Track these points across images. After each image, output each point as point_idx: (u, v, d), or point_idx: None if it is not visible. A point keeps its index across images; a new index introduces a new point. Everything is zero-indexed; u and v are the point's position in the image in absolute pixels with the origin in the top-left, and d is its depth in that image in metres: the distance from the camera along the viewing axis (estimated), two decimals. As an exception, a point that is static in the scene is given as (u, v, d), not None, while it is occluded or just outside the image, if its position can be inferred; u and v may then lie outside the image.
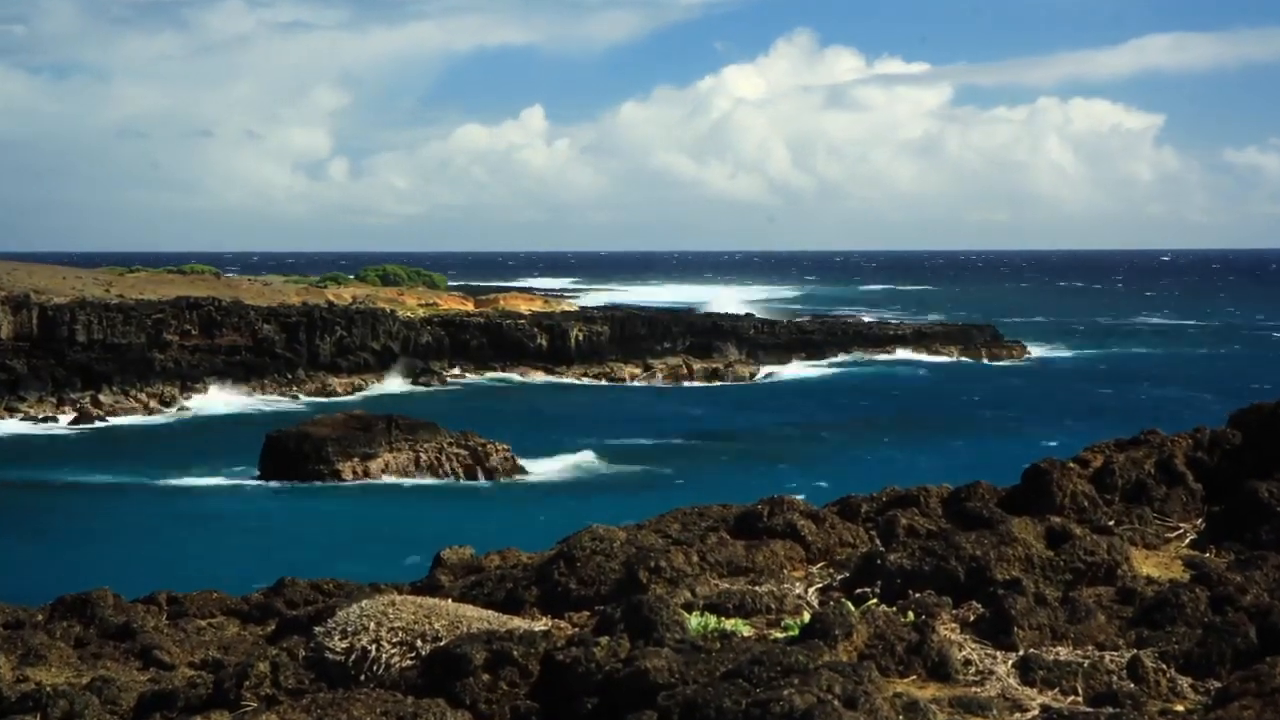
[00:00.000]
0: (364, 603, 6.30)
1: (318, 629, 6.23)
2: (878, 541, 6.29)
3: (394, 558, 28.56)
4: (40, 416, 58.51)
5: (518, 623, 6.23)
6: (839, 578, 6.23)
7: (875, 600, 6.01)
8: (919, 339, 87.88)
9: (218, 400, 63.54)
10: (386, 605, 6.25)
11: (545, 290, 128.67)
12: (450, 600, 6.73)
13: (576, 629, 6.15)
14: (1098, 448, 6.80)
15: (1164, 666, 5.14)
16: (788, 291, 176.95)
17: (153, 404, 61.64)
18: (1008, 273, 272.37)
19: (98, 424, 57.79)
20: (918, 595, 5.89)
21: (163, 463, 47.52)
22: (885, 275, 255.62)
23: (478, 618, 6.16)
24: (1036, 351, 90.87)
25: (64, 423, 57.90)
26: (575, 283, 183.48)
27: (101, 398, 61.06)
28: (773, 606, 6.00)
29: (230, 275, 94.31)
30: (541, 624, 6.26)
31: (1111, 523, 6.25)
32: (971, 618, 5.75)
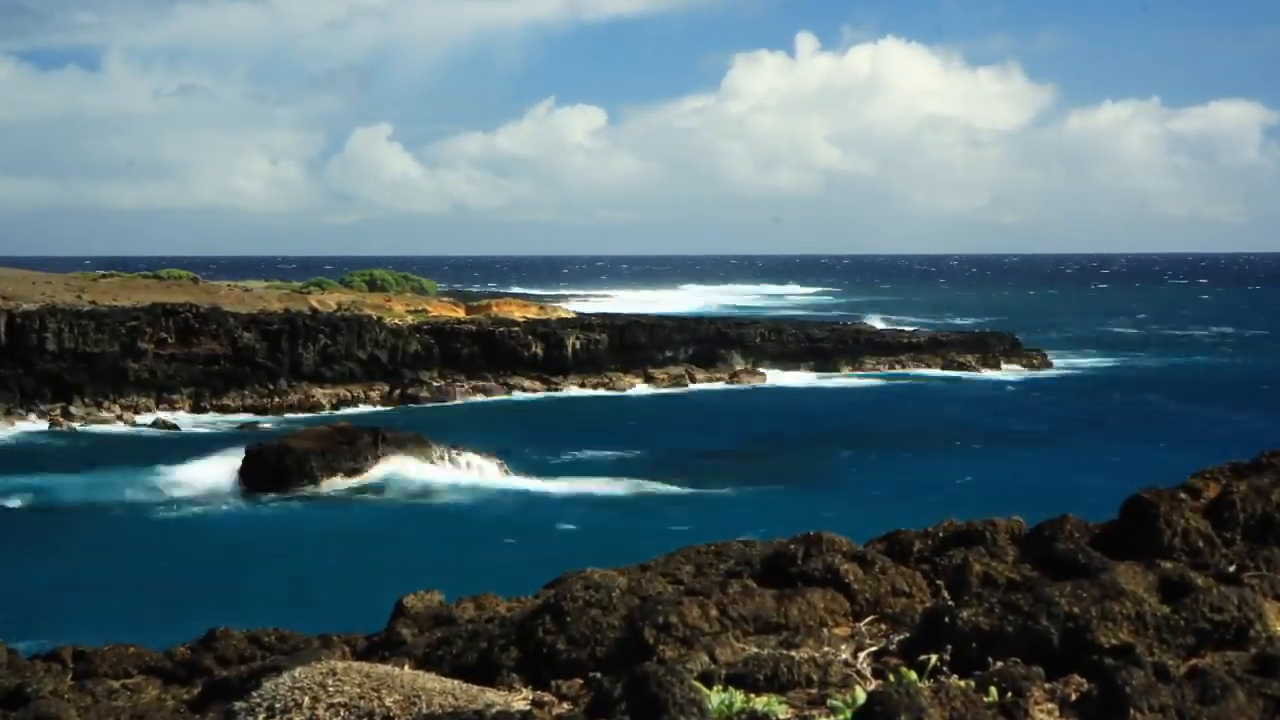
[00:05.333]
0: (298, 671, 5.05)
1: (239, 704, 4.99)
2: (945, 593, 5.07)
3: (369, 588, 27.12)
4: (8, 429, 56.86)
5: (491, 696, 4.99)
6: (896, 639, 4.98)
7: (945, 670, 4.75)
8: (935, 347, 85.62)
9: (194, 412, 61.96)
10: (325, 675, 4.99)
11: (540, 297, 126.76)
12: (408, 665, 5.48)
13: (565, 706, 4.90)
14: (1211, 474, 5.57)
15: (1331, 764, 3.94)
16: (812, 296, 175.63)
17: (127, 415, 60.05)
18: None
19: (68, 436, 56.22)
20: (1000, 664, 4.64)
21: (135, 477, 45.97)
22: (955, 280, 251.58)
23: (440, 691, 4.92)
24: (1060, 361, 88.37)
25: (33, 435, 56.28)
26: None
27: (73, 409, 59.35)
28: (814, 678, 4.75)
29: (210, 281, 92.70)
30: (521, 699, 5.00)
31: (1233, 568, 5.03)
32: (1073, 696, 4.52)
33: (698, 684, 4.62)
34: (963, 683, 4.63)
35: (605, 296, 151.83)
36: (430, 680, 5.00)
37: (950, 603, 4.84)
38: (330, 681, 4.90)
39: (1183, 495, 5.37)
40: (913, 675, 4.65)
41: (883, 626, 5.17)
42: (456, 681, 5.05)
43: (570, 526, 38.96)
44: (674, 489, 45.24)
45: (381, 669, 5.03)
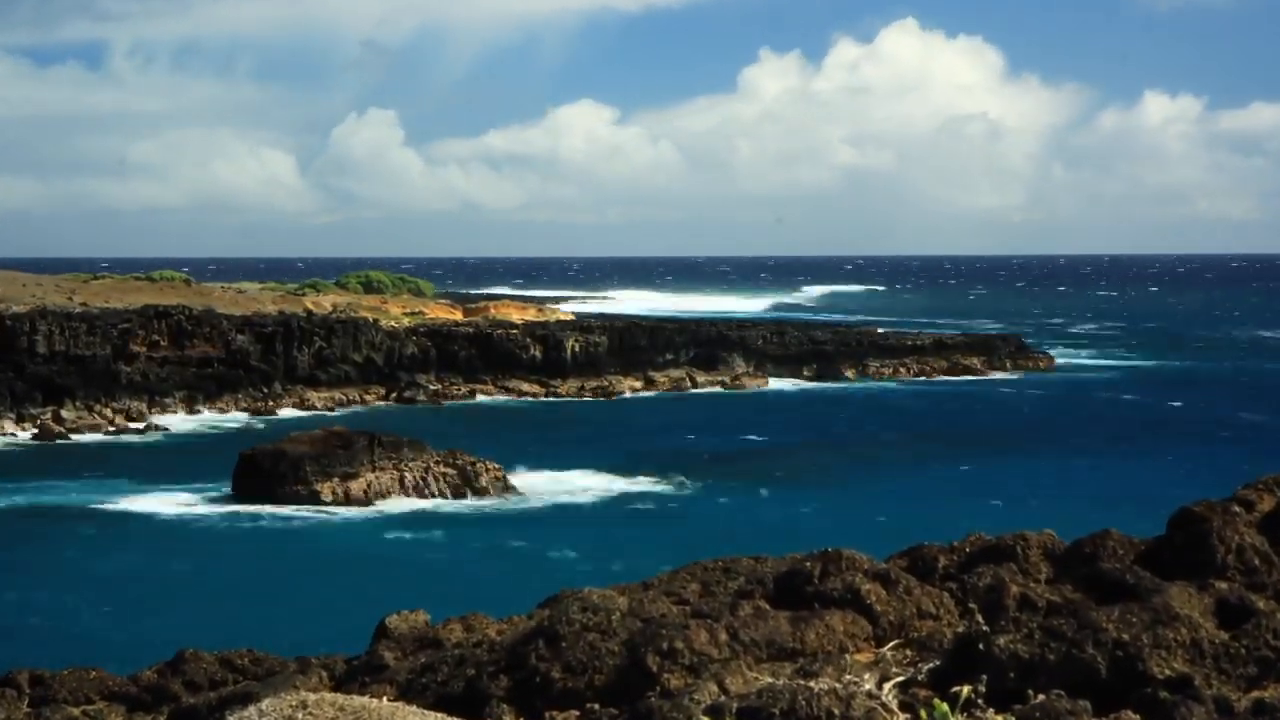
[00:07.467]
0: (265, 704, 4.61)
1: (200, 741, 4.56)
2: (978, 616, 4.61)
3: (353, 604, 26.54)
4: (-2, 433, 56.30)
5: (479, 731, 4.55)
6: (924, 666, 4.52)
7: (980, 703, 4.30)
8: (938, 350, 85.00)
9: (187, 416, 61.40)
10: (295, 708, 4.56)
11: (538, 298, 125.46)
12: (387, 695, 5.03)
13: (560, 742, 4.44)
14: (1264, 485, 5.09)
15: None
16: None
17: (119, 420, 59.43)
18: None
19: (59, 441, 55.63)
20: (1041, 697, 4.19)
21: (125, 483, 45.44)
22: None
23: (422, 726, 4.49)
24: (1063, 362, 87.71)
25: (23, 440, 55.73)
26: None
27: (64, 413, 58.76)
28: (836, 711, 4.29)
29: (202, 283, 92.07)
30: (511, 735, 4.54)
31: (1293, 588, 4.58)
32: (1126, 733, 4.06)
33: (706, 719, 4.18)
34: (1000, 717, 4.20)
35: (604, 299, 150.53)
36: (410, 714, 4.55)
37: (985, 627, 4.39)
38: (300, 715, 4.46)
39: (1236, 508, 4.91)
40: (945, 708, 4.21)
41: (908, 652, 4.72)
42: (440, 715, 4.60)
43: (568, 538, 38.26)
44: (677, 495, 44.63)
45: (357, 701, 4.59)
